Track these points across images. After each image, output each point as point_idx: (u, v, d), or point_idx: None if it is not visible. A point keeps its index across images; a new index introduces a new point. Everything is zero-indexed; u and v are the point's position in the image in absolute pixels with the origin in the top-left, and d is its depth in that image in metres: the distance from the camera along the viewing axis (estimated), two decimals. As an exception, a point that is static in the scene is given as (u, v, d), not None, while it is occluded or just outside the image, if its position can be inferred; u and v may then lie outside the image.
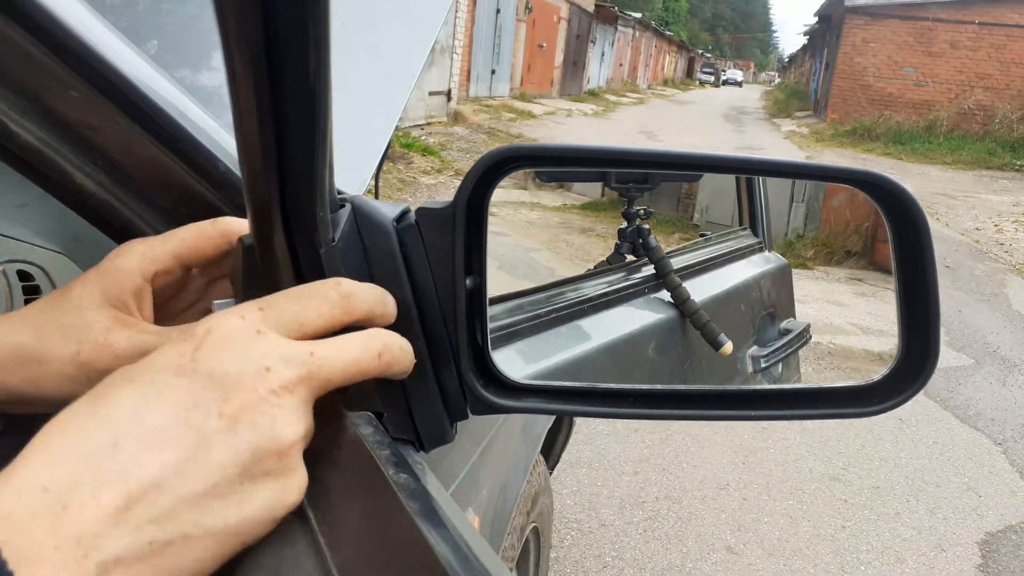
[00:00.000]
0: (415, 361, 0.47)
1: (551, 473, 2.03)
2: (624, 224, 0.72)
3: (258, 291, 0.48)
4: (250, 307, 0.40)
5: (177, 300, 0.56)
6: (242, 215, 0.46)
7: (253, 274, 0.50)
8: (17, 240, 0.61)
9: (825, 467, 3.28)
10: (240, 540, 0.37)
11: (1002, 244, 8.28)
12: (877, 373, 0.56)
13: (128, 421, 0.35)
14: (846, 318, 0.90)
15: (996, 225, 9.34)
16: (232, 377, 0.37)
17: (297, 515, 0.41)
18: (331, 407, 0.48)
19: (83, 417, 0.35)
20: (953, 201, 11.02)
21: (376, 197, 1.32)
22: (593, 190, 0.81)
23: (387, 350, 0.43)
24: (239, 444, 0.36)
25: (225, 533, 0.36)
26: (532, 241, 0.79)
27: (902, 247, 0.55)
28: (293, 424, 0.38)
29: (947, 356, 4.64)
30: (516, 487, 1.39)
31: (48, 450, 0.33)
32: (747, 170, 0.76)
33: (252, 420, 0.36)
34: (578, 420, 2.63)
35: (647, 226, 0.72)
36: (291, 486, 0.38)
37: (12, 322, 0.49)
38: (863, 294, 0.82)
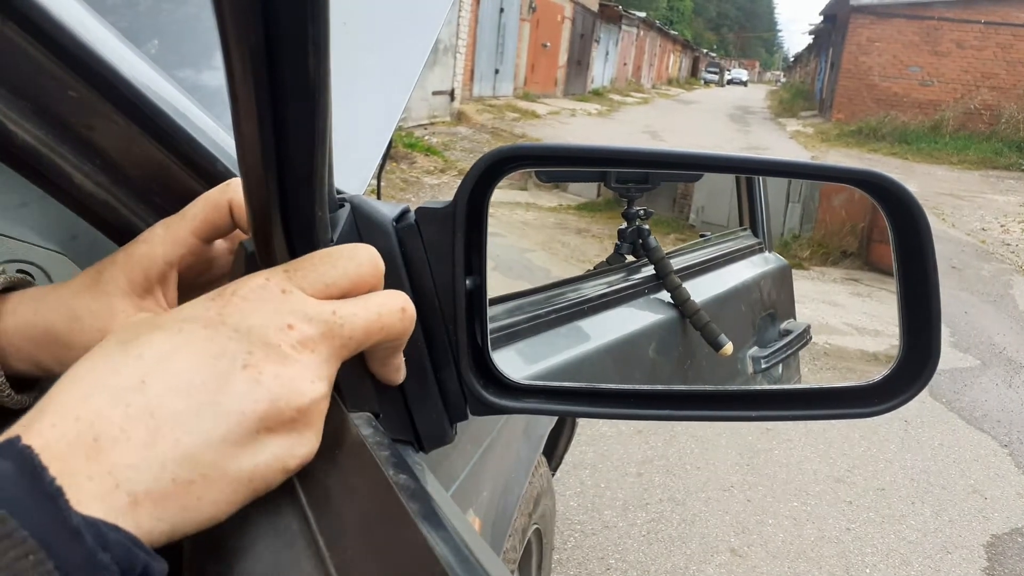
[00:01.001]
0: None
1: (554, 474, 2.03)
2: (624, 224, 0.71)
3: None
4: (276, 269, 0.41)
5: (208, 272, 0.56)
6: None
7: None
8: (17, 240, 0.62)
9: (830, 469, 3.27)
10: (252, 488, 0.38)
11: (1008, 245, 8.25)
12: (878, 373, 0.56)
13: (156, 363, 0.36)
14: (841, 318, 0.89)
15: (1002, 226, 9.30)
16: (256, 331, 0.38)
17: (297, 515, 0.41)
18: (331, 407, 0.48)
19: (114, 356, 0.36)
20: (959, 201, 10.97)
21: (379, 197, 1.33)
22: (589, 190, 0.81)
23: (409, 308, 0.44)
24: (259, 394, 0.37)
25: (239, 479, 0.37)
26: (528, 242, 0.79)
27: (903, 247, 0.55)
28: (314, 380, 0.39)
29: (953, 357, 4.62)
30: (518, 488, 1.39)
31: (80, 383, 0.35)
32: (747, 170, 0.76)
33: (274, 372, 0.37)
34: (581, 421, 2.63)
35: (647, 226, 0.72)
36: (305, 441, 0.39)
37: (50, 301, 0.51)
38: (859, 294, 0.82)
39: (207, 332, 0.37)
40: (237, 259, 0.52)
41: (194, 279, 0.55)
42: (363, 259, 0.43)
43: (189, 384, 0.36)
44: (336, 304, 0.41)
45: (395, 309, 0.43)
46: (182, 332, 0.37)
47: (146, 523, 0.33)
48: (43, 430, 0.32)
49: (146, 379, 0.35)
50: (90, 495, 0.31)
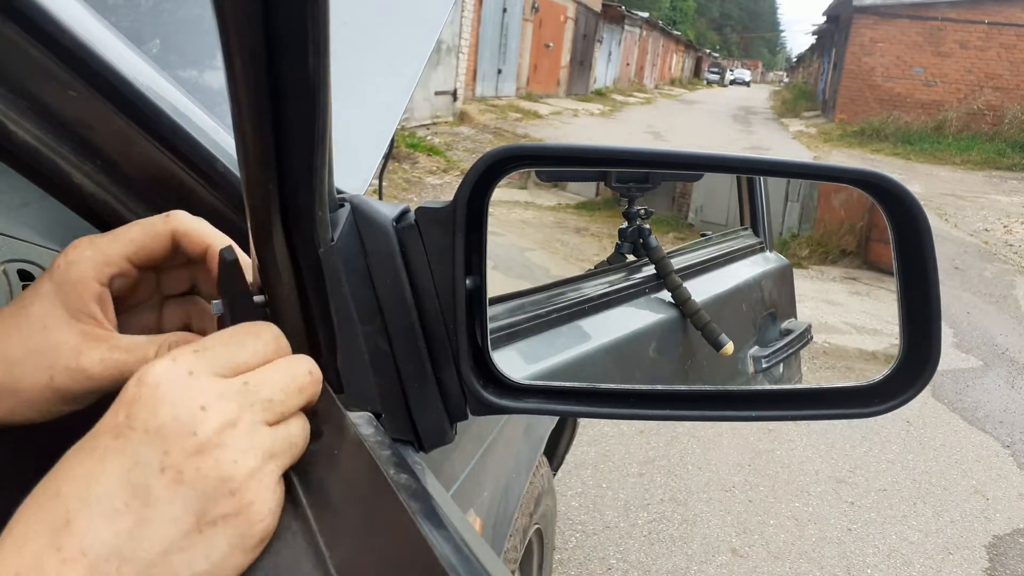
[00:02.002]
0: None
1: (555, 474, 2.03)
2: (625, 224, 0.71)
3: (240, 308, 0.48)
4: (185, 351, 0.40)
5: (132, 296, 0.54)
6: (241, 214, 0.46)
7: (235, 291, 0.49)
8: (18, 239, 0.62)
9: (831, 469, 3.26)
10: None
11: (1011, 245, 8.22)
12: (879, 373, 0.56)
13: (77, 495, 0.35)
14: (840, 317, 0.89)
15: (1005, 226, 9.27)
16: (168, 427, 0.36)
17: (297, 515, 0.41)
18: (331, 407, 0.48)
19: (40, 498, 0.36)
20: (962, 202, 10.95)
21: (380, 197, 1.33)
22: (588, 190, 0.81)
23: (315, 369, 0.44)
24: (187, 495, 0.36)
25: None
26: (527, 241, 0.79)
27: (903, 247, 0.55)
28: (241, 458, 0.37)
29: (955, 358, 4.61)
30: (519, 488, 1.38)
31: (14, 536, 0.34)
32: (747, 170, 0.75)
33: (196, 466, 0.36)
34: (582, 422, 2.63)
35: (648, 226, 0.72)
36: (255, 518, 0.38)
37: None
38: (857, 293, 0.82)
39: (117, 444, 0.36)
40: (220, 269, 0.52)
41: (132, 301, 0.53)
42: (268, 337, 0.43)
43: (112, 509, 0.35)
44: (246, 376, 0.40)
45: (303, 370, 0.43)
46: (95, 451, 0.36)
47: None
48: None
49: (70, 517, 0.34)
50: None
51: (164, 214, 0.51)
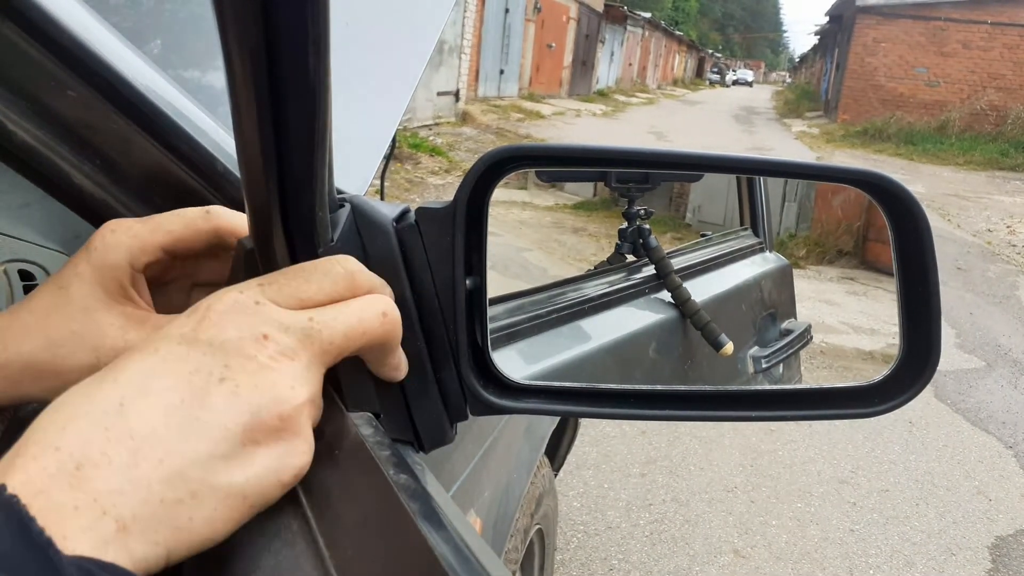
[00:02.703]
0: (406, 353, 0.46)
1: (556, 475, 2.03)
2: (624, 224, 0.71)
3: None
4: (250, 283, 0.41)
5: (163, 275, 0.55)
6: (241, 214, 0.46)
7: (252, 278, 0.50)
8: (19, 239, 0.62)
9: (834, 470, 3.26)
10: (249, 504, 0.37)
11: (1014, 246, 8.21)
12: (879, 373, 0.56)
13: (132, 384, 0.36)
14: (838, 317, 0.89)
15: (1008, 227, 9.25)
16: (231, 344, 0.38)
17: (296, 515, 0.41)
18: (331, 407, 0.48)
19: (91, 384, 0.36)
20: (965, 202, 10.93)
21: (382, 197, 1.33)
22: (585, 190, 0.81)
23: (391, 311, 0.44)
24: (240, 405, 0.37)
25: (232, 494, 0.36)
26: (524, 241, 0.79)
27: (903, 247, 0.54)
28: (294, 387, 0.38)
29: (958, 358, 4.60)
30: (519, 489, 1.38)
31: (58, 413, 0.34)
32: (747, 170, 0.75)
33: (252, 383, 0.37)
34: (584, 422, 2.63)
35: (648, 226, 0.72)
36: (297, 450, 0.39)
37: (16, 331, 0.48)
38: (855, 293, 0.82)
39: (182, 349, 0.37)
40: (236, 257, 0.52)
41: (162, 280, 0.54)
42: (338, 273, 0.43)
43: (167, 403, 0.35)
44: (312, 312, 0.41)
45: (375, 313, 0.43)
46: (158, 352, 0.37)
47: (139, 550, 0.32)
48: (26, 464, 0.32)
49: (124, 401, 0.35)
50: (78, 528, 0.31)
51: (204, 209, 0.52)
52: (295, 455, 0.39)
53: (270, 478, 0.38)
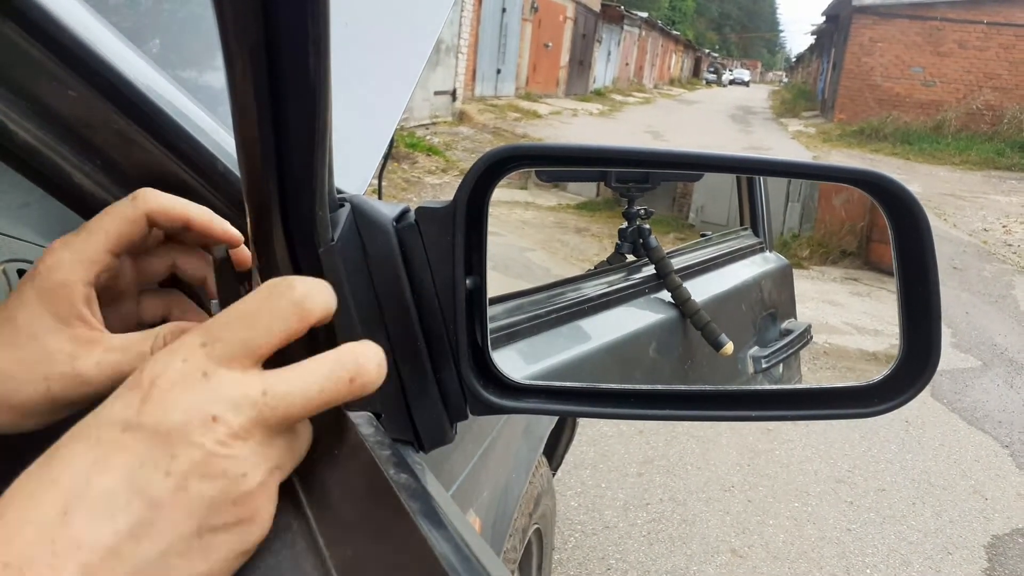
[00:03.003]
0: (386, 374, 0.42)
1: (554, 474, 2.03)
2: (624, 224, 0.71)
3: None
4: (192, 345, 0.37)
5: (112, 288, 0.52)
6: (241, 214, 0.46)
7: (228, 289, 0.49)
8: (18, 239, 0.62)
9: (831, 469, 3.26)
10: None
11: (1010, 245, 8.23)
12: (879, 373, 0.56)
13: (76, 486, 0.34)
14: (841, 317, 0.89)
15: (1004, 226, 9.28)
16: (178, 431, 0.35)
17: (297, 515, 0.41)
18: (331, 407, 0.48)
19: (35, 484, 0.34)
20: (961, 202, 10.96)
21: (380, 197, 1.33)
22: (588, 190, 0.81)
23: (361, 373, 0.38)
24: (191, 501, 0.35)
25: None
26: (527, 241, 0.79)
27: (903, 247, 0.55)
28: (249, 470, 0.36)
29: (954, 358, 4.61)
30: (518, 488, 1.39)
31: (6, 522, 0.33)
32: (747, 170, 0.75)
33: (202, 474, 0.35)
34: (582, 422, 2.63)
35: (648, 226, 0.72)
36: (255, 528, 0.37)
37: None
38: (858, 294, 0.82)
39: (126, 438, 0.35)
40: (215, 270, 0.51)
41: (111, 295, 0.52)
42: (284, 309, 0.38)
43: (114, 506, 0.33)
44: (269, 381, 0.37)
45: (342, 381, 0.38)
46: (100, 443, 0.35)
47: None
48: None
49: (68, 508, 0.33)
50: None
51: (130, 196, 0.49)
52: (255, 531, 0.37)
53: (231, 557, 0.37)
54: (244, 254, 0.53)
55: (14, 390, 0.46)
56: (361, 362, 0.39)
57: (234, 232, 0.52)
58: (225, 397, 0.36)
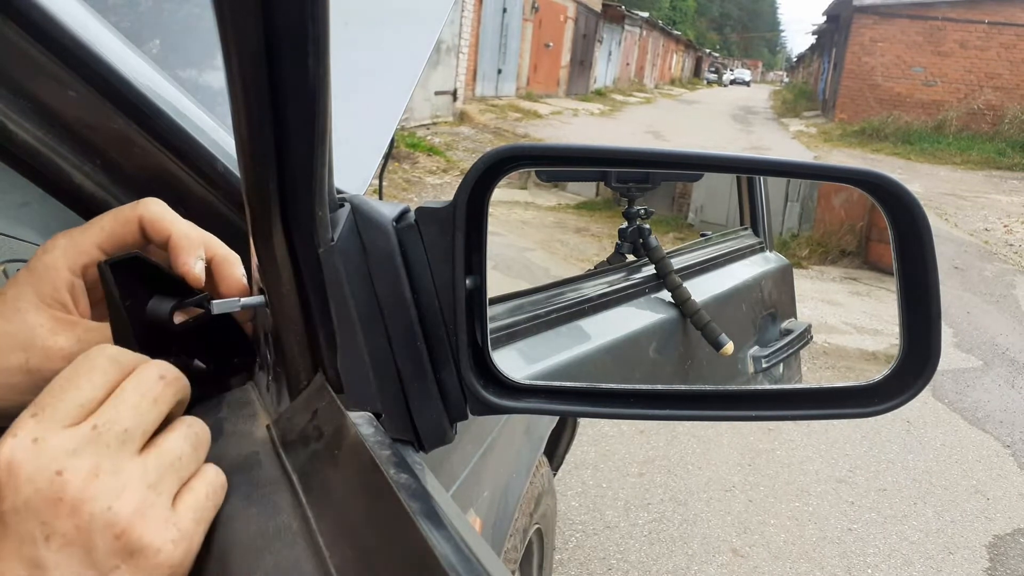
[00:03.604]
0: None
1: (555, 474, 2.03)
2: (624, 224, 0.71)
3: (115, 316, 0.48)
4: (23, 419, 0.39)
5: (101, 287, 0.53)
6: (241, 214, 0.46)
7: (110, 300, 0.49)
8: (18, 239, 0.62)
9: (832, 469, 3.26)
10: None
11: (1011, 245, 8.22)
12: (879, 373, 0.56)
13: None
14: (840, 317, 0.89)
15: (1005, 226, 9.27)
16: (34, 500, 0.37)
17: (297, 515, 0.41)
18: (331, 407, 0.48)
19: None
20: (962, 202, 10.95)
21: (380, 197, 1.33)
22: (588, 189, 0.81)
23: (166, 371, 0.43)
24: (78, 553, 0.36)
25: None
26: (527, 241, 0.79)
27: (903, 247, 0.55)
28: (115, 503, 0.38)
29: (956, 358, 4.61)
30: (519, 488, 1.38)
31: None
32: (747, 170, 0.75)
33: (75, 525, 0.36)
34: (582, 422, 2.63)
35: (647, 226, 0.72)
36: (151, 553, 0.38)
37: None
38: (858, 293, 0.82)
39: (1, 530, 0.37)
40: (101, 281, 0.50)
41: (102, 297, 0.52)
42: (102, 365, 0.41)
43: None
44: (93, 417, 0.39)
45: (152, 380, 0.42)
46: None
47: None
48: None
49: None
50: None
51: (135, 202, 0.51)
52: (154, 555, 0.38)
53: None
54: (234, 257, 0.53)
55: None
56: (158, 367, 0.43)
57: (194, 272, 0.51)
58: (60, 450, 0.38)
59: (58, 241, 0.50)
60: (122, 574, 0.37)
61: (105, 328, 0.49)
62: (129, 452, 0.39)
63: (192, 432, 0.43)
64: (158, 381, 0.42)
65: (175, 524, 0.39)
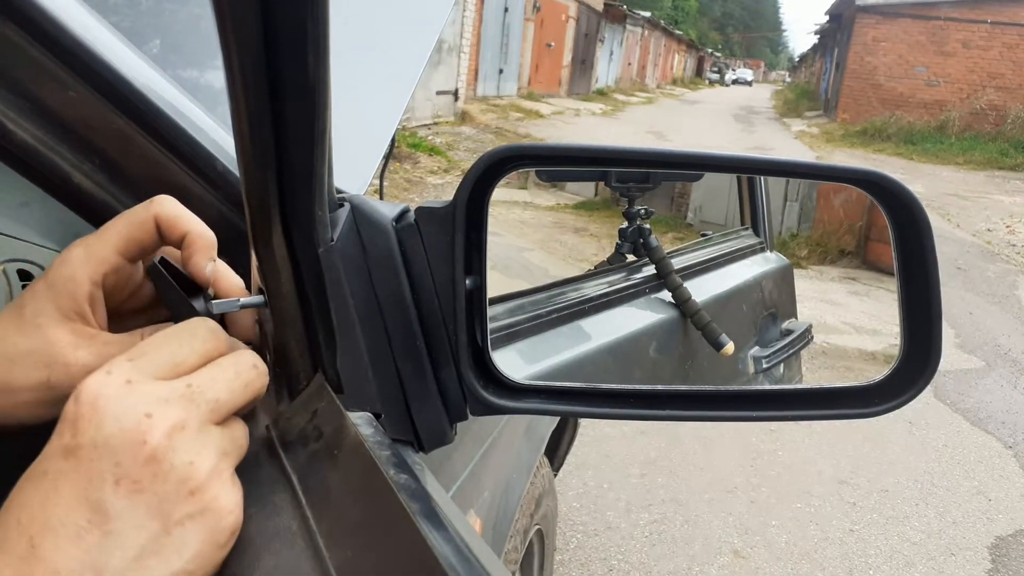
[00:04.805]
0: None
1: (556, 475, 2.03)
2: (625, 224, 0.71)
3: (180, 312, 0.48)
4: (118, 360, 0.39)
5: (133, 299, 0.53)
6: (241, 214, 0.46)
7: (172, 298, 0.49)
8: (18, 239, 0.62)
9: (834, 470, 3.26)
10: None
11: (1014, 246, 8.21)
12: (879, 373, 0.56)
13: (37, 521, 0.35)
14: (840, 317, 0.89)
15: (1008, 226, 9.25)
16: (116, 438, 0.36)
17: (296, 515, 0.41)
18: (331, 407, 0.48)
19: (2, 527, 0.36)
20: (965, 202, 10.93)
21: (381, 197, 1.33)
22: (587, 189, 0.81)
23: (260, 362, 0.44)
24: (148, 501, 0.36)
25: None
26: (525, 241, 0.79)
27: (904, 247, 0.54)
28: (196, 458, 0.38)
29: (958, 358, 4.60)
30: (519, 489, 1.38)
31: None
32: (748, 170, 0.75)
33: (152, 473, 0.36)
34: (583, 422, 2.63)
35: (648, 226, 0.72)
36: (223, 512, 0.39)
37: None
38: (857, 293, 0.82)
39: (68, 464, 0.36)
40: (152, 280, 0.50)
41: (123, 302, 0.53)
42: (204, 333, 0.43)
43: (75, 528, 0.35)
44: (188, 377, 0.40)
45: (248, 365, 0.43)
46: (47, 475, 0.36)
47: None
48: None
49: (34, 543, 0.34)
50: None
51: (147, 200, 0.51)
52: (222, 517, 0.38)
53: (207, 549, 0.38)
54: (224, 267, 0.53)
55: (16, 376, 0.47)
56: (254, 354, 0.44)
57: (205, 274, 0.51)
58: (153, 396, 0.38)
59: (75, 252, 0.49)
60: (186, 531, 0.37)
61: (124, 340, 0.49)
62: (213, 420, 0.40)
63: (246, 431, 0.44)
64: (252, 368, 0.43)
65: (238, 494, 0.40)
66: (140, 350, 0.40)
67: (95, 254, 0.49)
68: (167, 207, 0.50)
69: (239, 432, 0.42)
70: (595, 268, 0.80)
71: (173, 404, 0.38)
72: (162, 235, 0.51)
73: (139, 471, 0.36)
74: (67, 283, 0.48)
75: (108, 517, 0.35)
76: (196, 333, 0.42)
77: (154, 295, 0.54)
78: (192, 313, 0.48)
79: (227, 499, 0.39)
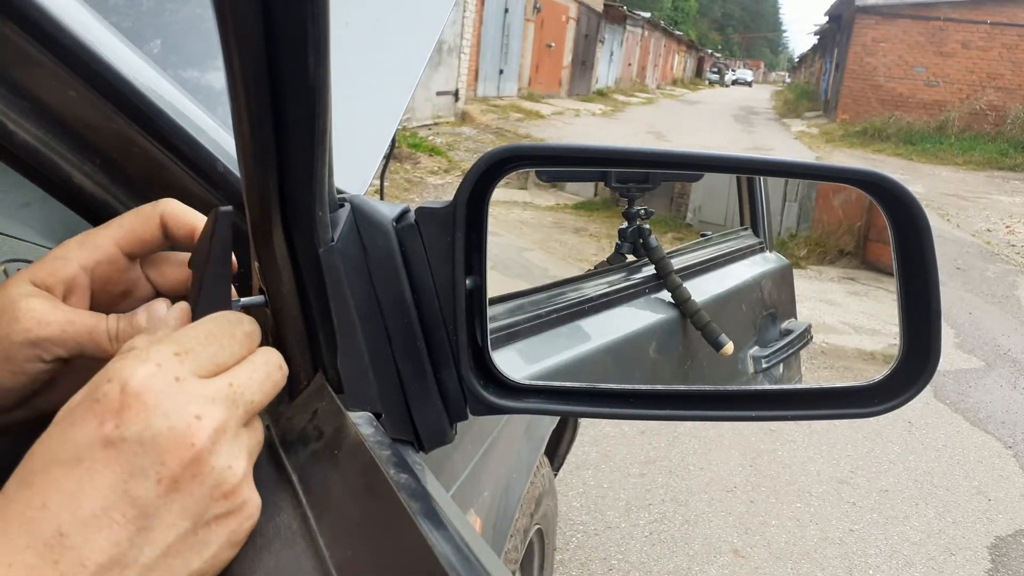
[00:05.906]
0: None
1: (556, 475, 2.03)
2: (624, 224, 0.71)
3: (212, 291, 0.46)
4: (166, 353, 0.39)
5: (124, 300, 0.52)
6: (241, 214, 0.46)
7: (215, 257, 0.46)
8: (18, 239, 0.62)
9: (833, 470, 3.26)
10: (215, 570, 0.38)
11: (1013, 246, 8.21)
12: (879, 373, 0.56)
13: (67, 509, 0.34)
14: (839, 317, 0.90)
15: (1007, 226, 9.26)
16: (164, 437, 0.36)
17: (296, 515, 0.41)
18: (331, 407, 0.48)
19: (22, 510, 0.34)
20: (964, 202, 10.93)
21: (382, 197, 1.33)
22: (586, 189, 0.81)
23: (283, 363, 0.45)
24: (184, 502, 0.36)
25: (202, 572, 0.37)
26: (525, 241, 0.79)
27: (903, 247, 0.54)
28: (233, 462, 0.38)
29: (957, 359, 4.60)
30: (519, 489, 1.38)
31: (1, 550, 0.33)
32: (747, 170, 0.75)
33: (193, 474, 0.36)
34: (583, 422, 2.63)
35: (648, 226, 0.72)
36: (245, 516, 0.39)
37: None
38: (856, 293, 0.82)
39: (108, 454, 0.35)
40: (218, 224, 0.47)
41: (113, 300, 0.52)
42: (242, 335, 0.43)
43: (108, 521, 0.34)
44: (228, 375, 0.40)
45: (275, 365, 0.43)
46: (82, 463, 0.35)
47: None
48: None
49: (63, 531, 0.34)
50: None
51: (155, 201, 0.51)
52: (245, 519, 0.39)
53: (225, 548, 0.38)
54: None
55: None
56: (277, 352, 0.44)
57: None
58: (202, 396, 0.38)
59: (76, 237, 0.50)
60: (211, 531, 0.37)
61: (89, 315, 0.48)
62: (244, 419, 0.40)
63: (261, 426, 0.44)
64: (279, 369, 0.44)
65: (258, 496, 0.41)
66: (184, 345, 0.40)
67: (91, 240, 0.49)
68: (174, 206, 0.51)
69: (260, 432, 0.43)
70: (595, 268, 0.80)
71: (218, 405, 0.38)
72: (168, 233, 0.51)
73: (181, 471, 0.36)
74: (54, 259, 0.48)
75: (144, 513, 0.35)
76: (235, 331, 0.43)
77: (146, 299, 0.52)
78: (226, 303, 0.47)
79: (254, 501, 0.40)
